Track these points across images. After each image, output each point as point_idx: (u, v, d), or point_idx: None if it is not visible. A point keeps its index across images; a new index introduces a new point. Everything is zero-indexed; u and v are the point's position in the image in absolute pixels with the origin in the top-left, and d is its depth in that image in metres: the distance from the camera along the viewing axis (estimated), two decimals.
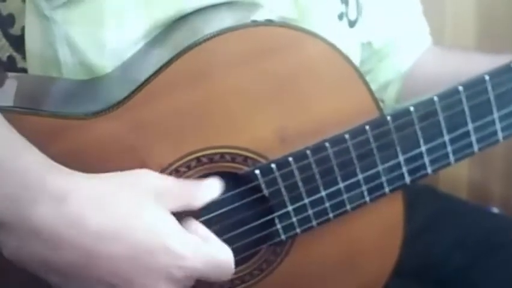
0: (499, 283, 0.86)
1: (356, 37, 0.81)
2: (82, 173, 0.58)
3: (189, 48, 0.61)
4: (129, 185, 0.59)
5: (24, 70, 0.73)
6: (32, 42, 0.70)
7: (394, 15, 0.88)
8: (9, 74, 0.71)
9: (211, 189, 0.63)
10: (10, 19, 0.71)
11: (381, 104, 0.68)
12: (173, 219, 0.59)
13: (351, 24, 0.79)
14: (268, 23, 0.66)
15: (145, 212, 0.58)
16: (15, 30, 0.71)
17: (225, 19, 0.66)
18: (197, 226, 0.62)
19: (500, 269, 0.87)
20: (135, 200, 0.58)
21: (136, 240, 0.57)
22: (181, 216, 0.61)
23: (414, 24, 0.90)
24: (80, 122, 0.61)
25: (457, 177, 1.39)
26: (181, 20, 0.67)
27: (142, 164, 0.62)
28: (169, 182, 0.61)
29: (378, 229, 0.72)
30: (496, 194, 1.39)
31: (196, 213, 0.63)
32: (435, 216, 0.95)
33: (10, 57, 0.73)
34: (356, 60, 0.81)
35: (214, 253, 0.60)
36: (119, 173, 0.60)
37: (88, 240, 0.56)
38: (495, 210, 1.23)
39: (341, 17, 0.77)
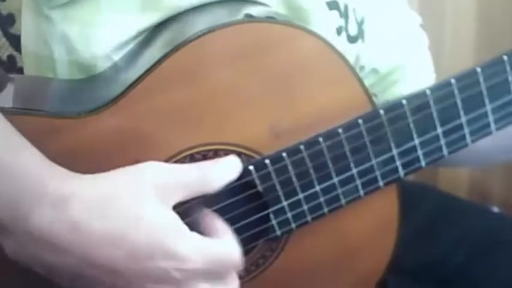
0: (499, 282, 0.86)
1: (356, 53, 0.80)
2: (81, 175, 0.58)
3: (181, 45, 0.61)
4: (129, 183, 0.59)
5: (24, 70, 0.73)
6: (27, 41, 0.71)
7: (401, 44, 0.87)
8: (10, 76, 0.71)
9: (227, 169, 0.63)
10: (10, 19, 0.72)
11: (374, 99, 0.68)
12: (174, 217, 0.58)
13: (351, 39, 0.79)
14: (262, 19, 0.66)
15: (144, 213, 0.57)
16: (15, 30, 0.71)
17: (218, 16, 0.66)
18: (213, 220, 0.62)
19: (500, 268, 0.87)
20: (134, 200, 0.58)
21: (136, 244, 0.56)
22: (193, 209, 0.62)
23: (420, 57, 0.90)
24: (74, 121, 0.61)
25: (457, 176, 1.38)
26: (174, 18, 0.67)
27: (136, 161, 0.61)
28: (174, 171, 0.61)
29: (372, 226, 0.72)
30: (496, 193, 1.38)
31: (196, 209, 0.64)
32: (436, 215, 0.95)
33: (10, 57, 0.73)
34: None
35: (218, 251, 0.60)
36: (118, 170, 0.59)
37: (88, 245, 0.56)
38: (495, 209, 1.22)
39: (339, 31, 0.77)
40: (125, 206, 0.57)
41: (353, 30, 0.79)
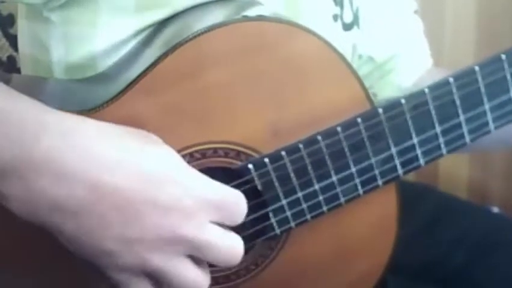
0: (499, 282, 0.86)
1: (351, 41, 0.81)
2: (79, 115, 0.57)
3: (179, 44, 0.62)
4: (135, 131, 0.59)
5: None
6: (23, 44, 0.71)
7: (396, 31, 0.88)
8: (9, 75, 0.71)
9: None
10: (10, 19, 0.72)
11: (372, 98, 0.68)
12: (181, 159, 0.58)
13: (346, 27, 0.79)
14: (259, 18, 0.66)
15: (153, 146, 0.57)
16: (15, 30, 0.71)
17: (216, 15, 0.67)
18: None
19: (500, 268, 0.87)
20: (143, 139, 0.58)
21: (144, 171, 0.55)
22: None
23: (416, 44, 0.90)
24: None
25: (457, 177, 1.38)
26: (172, 18, 0.67)
27: None
28: None
29: (371, 226, 0.72)
30: (496, 194, 1.38)
31: None
32: (436, 215, 0.95)
33: (10, 57, 0.74)
34: None
35: (228, 193, 0.58)
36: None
37: (100, 171, 0.54)
38: (495, 210, 1.22)
39: (335, 19, 0.77)
40: (135, 139, 0.57)
41: (347, 18, 0.79)
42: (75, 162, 0.54)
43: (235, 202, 0.58)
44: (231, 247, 0.58)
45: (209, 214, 0.57)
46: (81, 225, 0.55)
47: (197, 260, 0.57)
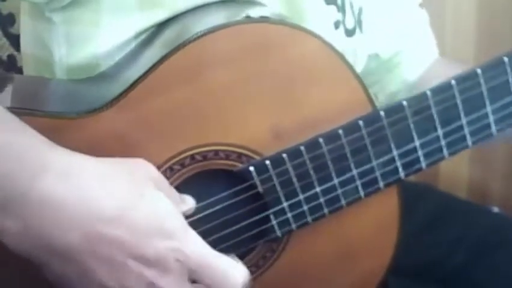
0: (499, 282, 0.86)
1: (354, 46, 0.81)
2: (83, 154, 0.57)
3: (182, 45, 0.62)
4: (130, 168, 0.59)
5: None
6: (26, 44, 0.71)
7: (401, 26, 0.88)
8: (7, 75, 0.71)
9: (190, 199, 0.64)
10: (10, 18, 0.72)
11: (374, 99, 0.68)
12: (172, 204, 0.58)
13: (349, 33, 0.79)
14: (261, 19, 0.66)
15: (146, 193, 0.58)
16: (15, 30, 0.71)
17: (217, 17, 0.66)
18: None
19: (500, 268, 0.87)
20: (136, 183, 0.58)
21: (139, 225, 0.56)
22: None
23: (421, 36, 0.90)
24: (73, 122, 0.61)
25: (457, 176, 1.38)
26: (173, 19, 0.67)
27: None
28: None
29: (373, 228, 0.72)
30: (496, 193, 1.38)
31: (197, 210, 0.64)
32: (436, 215, 0.95)
33: (10, 57, 0.74)
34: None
35: (222, 263, 0.59)
36: (119, 159, 0.59)
37: (93, 222, 0.55)
38: (495, 209, 1.22)
39: (337, 25, 0.77)
40: (129, 185, 0.57)
41: (350, 24, 0.79)
42: (73, 209, 0.54)
43: (222, 272, 0.59)
44: None
45: (187, 274, 0.58)
46: (69, 269, 0.56)
47: None
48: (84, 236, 0.55)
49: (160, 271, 0.57)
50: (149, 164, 0.61)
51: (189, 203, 0.63)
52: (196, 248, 0.58)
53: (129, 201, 0.57)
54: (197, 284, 0.59)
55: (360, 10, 0.81)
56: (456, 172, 1.38)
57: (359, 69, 0.82)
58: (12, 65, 0.73)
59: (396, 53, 0.88)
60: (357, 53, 0.81)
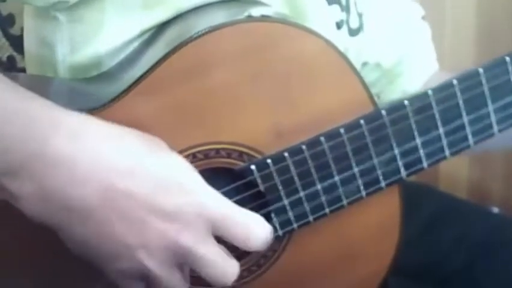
0: (499, 283, 0.86)
1: (356, 47, 0.81)
2: (94, 117, 0.57)
3: (183, 44, 0.61)
4: (140, 134, 0.59)
5: (24, 70, 0.73)
6: (29, 43, 0.71)
7: (403, 36, 0.88)
8: (10, 74, 0.71)
9: None
10: (10, 19, 0.71)
11: (376, 99, 0.68)
12: (190, 166, 0.58)
13: (353, 32, 0.79)
14: (263, 18, 0.66)
15: (162, 153, 0.57)
16: (15, 30, 0.71)
17: (220, 16, 0.66)
18: None
19: (500, 269, 0.87)
20: (151, 142, 0.58)
21: (154, 178, 0.55)
22: None
23: (423, 48, 0.90)
24: None
25: (457, 177, 1.39)
26: (175, 18, 0.67)
27: None
28: None
29: (374, 229, 0.72)
30: (496, 194, 1.38)
31: None
32: (436, 216, 0.95)
33: (10, 57, 0.73)
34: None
35: (233, 213, 0.58)
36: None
37: (107, 176, 0.54)
38: (495, 210, 1.23)
39: (340, 24, 0.77)
40: (143, 144, 0.57)
41: (354, 23, 0.79)
42: (86, 166, 0.54)
43: (243, 224, 0.58)
44: (223, 272, 0.58)
45: (209, 228, 0.57)
46: (88, 229, 0.55)
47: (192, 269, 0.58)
48: (100, 191, 0.54)
49: (182, 226, 0.56)
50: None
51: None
52: (217, 203, 0.57)
53: (145, 154, 0.56)
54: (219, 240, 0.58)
55: (362, 13, 0.81)
56: (456, 173, 1.38)
57: (359, 68, 0.82)
58: (12, 66, 0.73)
59: (398, 62, 0.88)
60: (360, 53, 0.81)
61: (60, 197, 0.54)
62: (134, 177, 0.55)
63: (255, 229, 0.58)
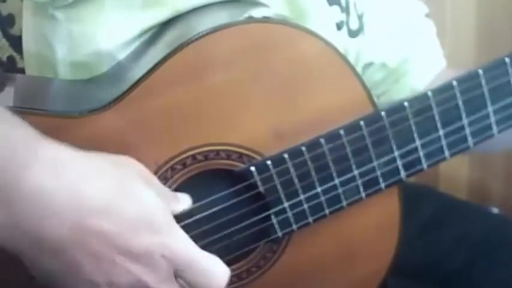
0: (499, 283, 0.86)
1: (355, 48, 0.81)
2: (73, 147, 0.57)
3: (184, 45, 0.61)
4: (119, 164, 0.59)
5: (23, 70, 0.73)
6: (28, 42, 0.70)
7: (408, 34, 0.87)
8: (10, 75, 0.71)
9: (186, 198, 0.64)
10: (10, 19, 0.71)
11: (376, 100, 0.68)
12: (161, 201, 0.58)
13: (353, 34, 0.79)
14: (263, 19, 0.66)
15: (135, 189, 0.57)
16: (15, 31, 0.71)
17: (220, 16, 0.66)
18: None
19: (500, 269, 0.87)
20: (126, 177, 0.58)
21: (124, 216, 0.56)
22: None
23: (429, 45, 0.90)
24: (74, 121, 0.61)
25: (457, 177, 1.39)
26: (175, 19, 0.67)
27: (138, 161, 0.61)
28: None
29: (374, 229, 0.72)
30: (496, 194, 1.38)
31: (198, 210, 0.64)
32: (436, 216, 0.95)
33: (10, 58, 0.73)
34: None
35: (205, 260, 0.59)
36: (108, 154, 0.59)
37: (83, 214, 0.54)
38: (495, 210, 1.23)
39: (340, 25, 0.77)
40: (118, 179, 0.57)
41: (354, 25, 0.79)
42: (61, 201, 0.54)
43: (207, 272, 0.59)
44: None
45: (171, 270, 0.58)
46: (56, 262, 0.55)
47: None
48: (73, 228, 0.54)
49: (147, 267, 0.57)
50: (138, 162, 0.60)
51: (184, 201, 0.63)
52: (182, 245, 0.58)
53: (118, 195, 0.56)
54: (182, 281, 0.59)
55: (362, 13, 0.81)
56: (456, 173, 1.38)
57: (359, 71, 0.82)
58: (12, 66, 0.73)
59: (404, 60, 0.87)
60: (360, 54, 0.81)
61: (32, 230, 0.54)
62: (108, 217, 0.55)
63: (216, 277, 0.59)
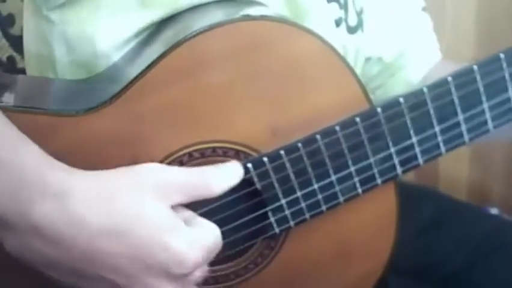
0: (499, 284, 0.86)
1: (354, 44, 0.81)
2: (81, 170, 0.58)
3: (178, 44, 0.62)
4: (129, 182, 0.59)
5: (24, 70, 0.73)
6: (29, 41, 0.71)
7: (404, 28, 0.88)
8: (10, 76, 0.71)
9: (229, 174, 0.63)
10: (10, 19, 0.71)
11: (371, 96, 0.68)
12: (172, 216, 0.59)
13: (351, 30, 0.79)
14: (259, 17, 0.66)
15: (145, 209, 0.58)
16: (15, 31, 0.71)
17: (216, 15, 0.67)
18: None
19: (499, 270, 0.87)
20: (135, 198, 0.58)
21: (136, 238, 0.57)
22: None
23: (425, 38, 0.90)
24: (72, 119, 0.62)
25: (457, 177, 1.38)
26: (172, 18, 0.67)
27: (134, 159, 0.62)
28: (173, 174, 0.61)
29: (371, 226, 0.72)
30: (495, 194, 1.38)
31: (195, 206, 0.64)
32: (436, 217, 0.95)
33: (10, 58, 0.73)
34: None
35: (207, 238, 0.60)
36: (120, 170, 0.60)
37: (89, 238, 0.56)
38: (495, 211, 1.22)
39: (338, 22, 0.77)
40: (125, 205, 0.58)
41: (352, 21, 0.79)
42: (65, 229, 0.56)
43: (217, 247, 0.61)
44: None
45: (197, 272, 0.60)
46: (75, 279, 0.59)
47: None
48: (83, 257, 0.57)
49: (170, 283, 0.59)
50: (153, 167, 0.61)
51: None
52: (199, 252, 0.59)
53: (126, 221, 0.57)
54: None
55: (362, 9, 0.81)
56: (456, 174, 1.38)
57: (359, 67, 0.82)
58: (12, 67, 0.73)
59: (400, 55, 0.88)
60: (359, 50, 0.81)
61: (43, 256, 0.57)
62: (119, 240, 0.57)
63: None
